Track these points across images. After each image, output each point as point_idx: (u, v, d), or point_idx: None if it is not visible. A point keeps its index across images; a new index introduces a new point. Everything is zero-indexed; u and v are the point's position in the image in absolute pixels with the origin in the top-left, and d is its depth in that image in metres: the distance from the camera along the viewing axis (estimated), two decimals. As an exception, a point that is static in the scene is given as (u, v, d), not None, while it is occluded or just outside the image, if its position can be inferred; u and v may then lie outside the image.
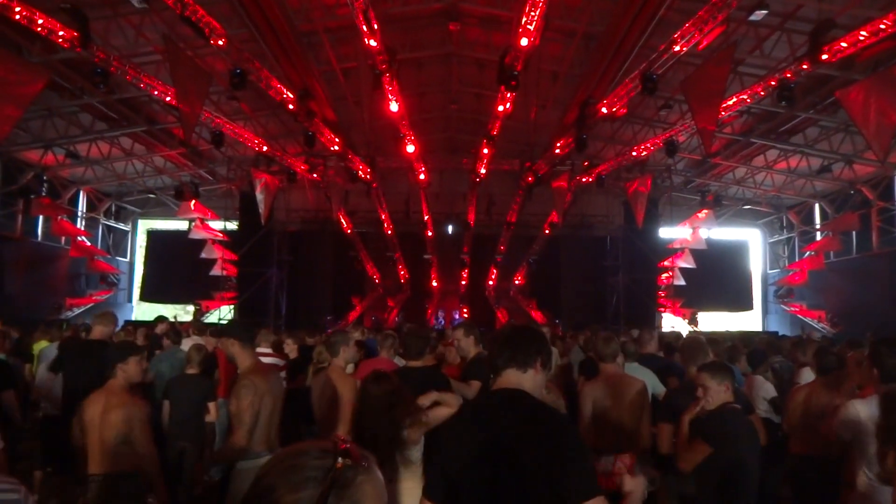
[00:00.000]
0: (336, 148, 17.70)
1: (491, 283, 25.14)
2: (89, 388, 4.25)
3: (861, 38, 11.29)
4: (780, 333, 18.64)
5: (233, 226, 22.83)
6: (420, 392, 3.48)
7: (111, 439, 3.87)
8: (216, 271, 22.22)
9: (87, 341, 6.03)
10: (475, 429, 2.26)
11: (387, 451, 3.16)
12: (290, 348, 8.55)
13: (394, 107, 14.71)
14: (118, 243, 26.69)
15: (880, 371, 3.72)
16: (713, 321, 24.82)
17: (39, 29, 11.32)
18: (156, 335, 8.91)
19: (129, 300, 26.78)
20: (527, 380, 2.35)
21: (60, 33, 11.48)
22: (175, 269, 23.35)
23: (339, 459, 1.17)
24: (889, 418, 1.97)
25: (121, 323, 14.44)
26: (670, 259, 23.56)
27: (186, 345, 7.65)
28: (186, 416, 5.74)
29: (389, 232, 22.90)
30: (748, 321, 26.23)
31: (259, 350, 7.07)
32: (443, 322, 24.35)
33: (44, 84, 11.95)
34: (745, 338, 12.49)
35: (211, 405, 5.81)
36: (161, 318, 10.26)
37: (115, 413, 3.91)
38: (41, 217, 21.20)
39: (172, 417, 5.79)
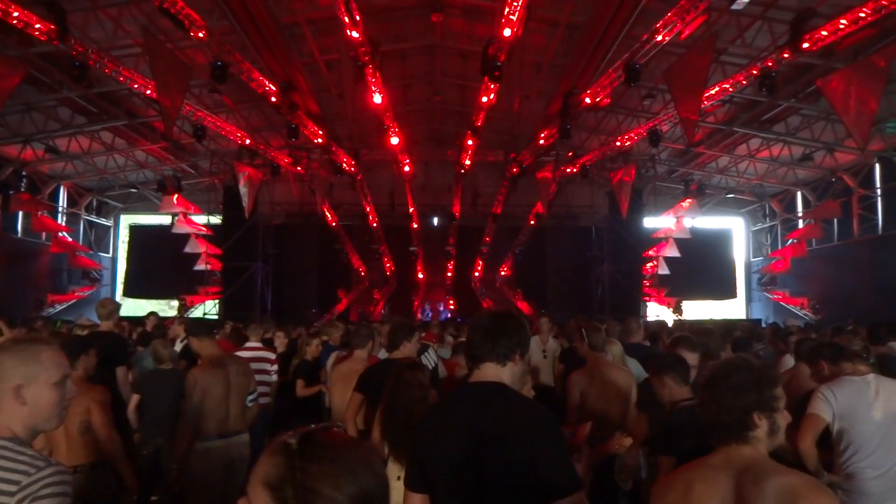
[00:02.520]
0: (320, 140, 17.60)
1: (477, 274, 25.18)
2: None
3: (841, 26, 11.37)
4: (768, 321, 18.84)
5: (216, 220, 22.64)
6: None
7: (74, 428, 3.83)
8: (200, 266, 22.06)
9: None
10: (455, 422, 2.26)
11: (402, 435, 3.27)
12: (281, 342, 8.59)
13: (377, 99, 14.64)
14: (100, 238, 26.42)
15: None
16: (697, 309, 25.02)
17: (15, 22, 11.10)
18: (146, 331, 8.82)
19: (112, 296, 26.55)
20: (505, 372, 2.33)
21: (37, 26, 11.28)
22: (158, 264, 23.13)
23: None
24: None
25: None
26: (655, 248, 23.70)
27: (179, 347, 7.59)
28: (161, 412, 5.59)
29: (374, 224, 22.84)
30: (732, 309, 26.47)
31: (249, 344, 7.12)
32: (430, 314, 24.36)
33: (21, 78, 11.81)
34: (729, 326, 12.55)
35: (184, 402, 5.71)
36: (152, 314, 10.19)
37: (75, 401, 3.84)
38: (21, 213, 20.92)
39: (146, 414, 5.68)
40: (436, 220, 24.53)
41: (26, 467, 1.75)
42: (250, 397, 4.93)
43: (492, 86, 13.67)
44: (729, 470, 1.92)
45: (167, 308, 25.01)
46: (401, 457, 3.38)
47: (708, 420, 2.02)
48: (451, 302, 25.21)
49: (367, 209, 22.13)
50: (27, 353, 1.92)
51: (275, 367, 7.08)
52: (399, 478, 3.56)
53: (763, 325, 16.63)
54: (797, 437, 3.67)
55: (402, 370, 3.63)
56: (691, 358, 3.77)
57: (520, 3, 10.73)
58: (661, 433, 3.34)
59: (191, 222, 22.41)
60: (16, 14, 11.01)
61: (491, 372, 2.33)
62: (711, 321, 17.19)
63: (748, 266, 28.12)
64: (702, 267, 24.34)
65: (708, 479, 1.93)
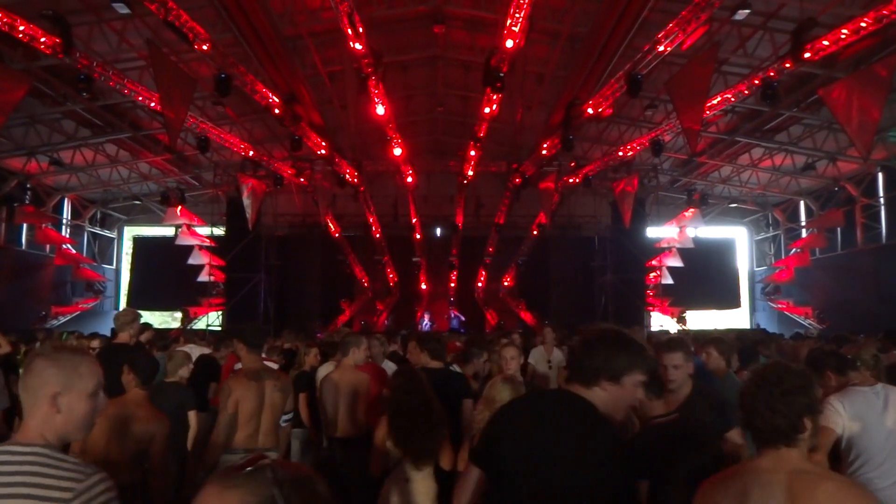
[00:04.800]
0: (323, 152, 17.65)
1: (480, 284, 25.15)
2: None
3: (842, 36, 11.41)
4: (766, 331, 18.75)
5: (220, 231, 22.68)
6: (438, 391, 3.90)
7: (130, 453, 3.75)
8: (204, 277, 22.06)
9: (116, 346, 5.77)
10: (536, 423, 2.22)
11: (411, 436, 3.53)
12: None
13: (380, 110, 14.70)
14: (104, 250, 26.47)
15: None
16: (701, 319, 24.94)
17: (21, 35, 11.20)
18: (141, 343, 8.77)
19: (116, 307, 26.51)
20: (597, 395, 2.23)
21: (42, 39, 11.37)
22: (162, 275, 23.17)
23: None
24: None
25: (104, 331, 14.33)
26: (658, 258, 23.65)
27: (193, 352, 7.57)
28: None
29: (377, 235, 22.86)
30: (736, 319, 26.38)
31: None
32: (429, 325, 24.30)
33: (26, 91, 11.87)
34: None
35: (191, 414, 5.56)
36: (146, 326, 10.15)
37: (142, 426, 3.80)
38: (25, 225, 20.98)
39: None
40: (439, 231, 24.55)
41: (74, 473, 1.78)
42: (285, 417, 4.76)
43: (494, 96, 13.72)
44: (781, 473, 1.97)
45: (170, 320, 25.02)
46: (411, 458, 3.57)
47: (759, 424, 2.05)
48: (455, 312, 25.15)
49: (370, 220, 22.16)
50: (66, 361, 1.94)
51: None
52: (407, 480, 3.61)
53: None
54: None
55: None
56: (676, 358, 3.68)
57: (522, 15, 10.79)
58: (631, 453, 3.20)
59: (194, 234, 22.46)
60: (21, 28, 11.10)
61: (581, 392, 2.26)
62: (717, 331, 17.18)
63: (752, 275, 28.05)
64: (705, 277, 24.30)
65: (763, 483, 1.96)
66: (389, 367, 6.95)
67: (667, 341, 3.77)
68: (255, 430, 4.52)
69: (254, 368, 4.72)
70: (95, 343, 8.69)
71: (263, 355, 7.20)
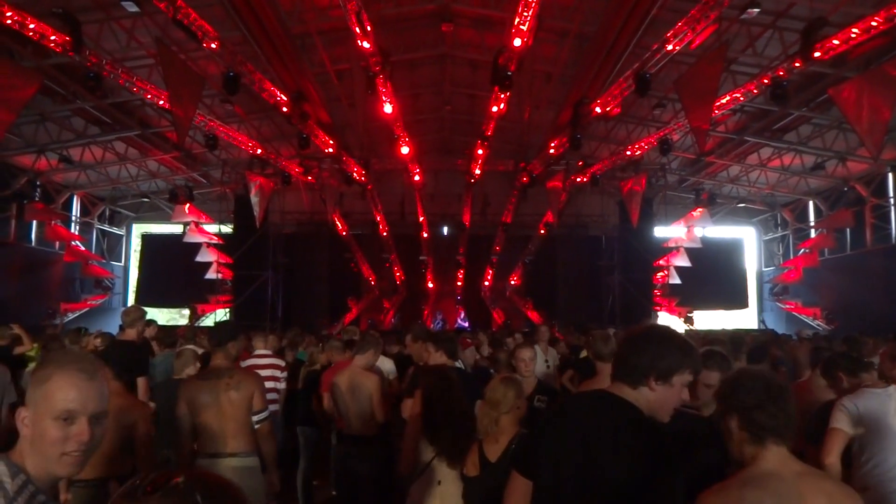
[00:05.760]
0: (330, 150, 17.68)
1: (487, 283, 25.14)
2: None
3: (853, 35, 11.32)
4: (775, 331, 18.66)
5: (227, 229, 22.77)
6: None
7: (113, 442, 3.73)
8: (211, 274, 22.15)
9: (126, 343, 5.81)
10: (578, 426, 2.15)
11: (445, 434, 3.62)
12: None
13: (388, 108, 14.70)
14: (112, 247, 26.59)
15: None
16: (709, 319, 24.86)
17: (31, 33, 11.26)
18: (147, 339, 8.78)
19: (125, 304, 26.62)
20: (641, 396, 2.13)
21: (52, 38, 11.42)
22: (170, 272, 23.26)
23: None
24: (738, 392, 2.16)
25: (112, 328, 14.40)
26: (665, 258, 23.58)
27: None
28: (171, 422, 5.56)
29: (385, 234, 22.88)
30: (744, 319, 26.28)
31: (258, 352, 7.17)
32: (441, 323, 24.35)
33: (36, 88, 11.91)
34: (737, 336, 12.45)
35: None
36: (149, 322, 10.19)
37: (124, 415, 3.81)
38: (35, 222, 21.10)
39: (159, 424, 5.64)
40: (446, 230, 24.55)
41: None
42: (257, 417, 4.38)
43: (502, 95, 13.70)
44: (789, 476, 1.98)
45: (178, 316, 25.11)
46: (447, 457, 3.62)
47: (782, 425, 2.06)
48: (462, 311, 25.16)
49: (378, 218, 22.17)
50: (40, 375, 1.68)
51: (284, 374, 7.16)
52: (439, 482, 3.61)
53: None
54: (822, 453, 3.56)
55: (431, 374, 3.93)
56: (713, 377, 3.27)
57: (530, 14, 10.77)
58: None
59: (202, 231, 22.52)
60: (31, 26, 11.15)
61: (629, 392, 2.15)
62: (724, 331, 17.13)
63: (760, 276, 27.93)
64: (713, 276, 24.20)
65: (781, 492, 1.94)
66: (386, 364, 6.98)
67: (705, 354, 3.31)
68: (220, 432, 4.21)
69: (213, 367, 4.49)
70: (98, 341, 8.70)
71: (270, 352, 7.32)
